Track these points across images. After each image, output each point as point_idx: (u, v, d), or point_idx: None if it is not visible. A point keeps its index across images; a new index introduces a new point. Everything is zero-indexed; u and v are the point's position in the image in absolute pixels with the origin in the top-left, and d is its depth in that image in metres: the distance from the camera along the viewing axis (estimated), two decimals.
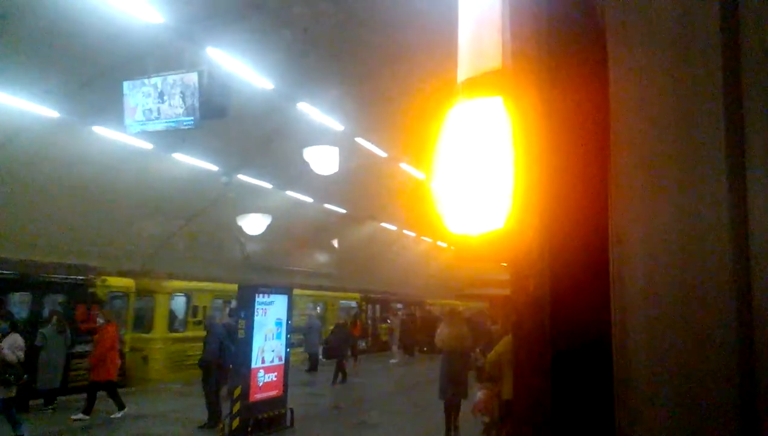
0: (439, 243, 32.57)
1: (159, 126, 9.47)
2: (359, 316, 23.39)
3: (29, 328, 11.54)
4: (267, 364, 9.61)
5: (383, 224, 28.95)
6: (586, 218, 0.97)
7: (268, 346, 9.67)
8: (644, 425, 0.90)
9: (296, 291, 12.98)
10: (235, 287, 15.45)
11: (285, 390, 10.04)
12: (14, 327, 9.76)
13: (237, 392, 9.07)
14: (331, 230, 26.00)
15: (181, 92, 9.15)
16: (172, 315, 16.25)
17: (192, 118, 9.10)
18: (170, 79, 9.25)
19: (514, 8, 1.09)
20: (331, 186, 19.30)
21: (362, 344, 22.72)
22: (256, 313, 9.39)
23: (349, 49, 13.54)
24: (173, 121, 9.31)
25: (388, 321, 26.36)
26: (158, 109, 9.37)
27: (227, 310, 12.68)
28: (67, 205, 15.24)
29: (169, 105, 9.28)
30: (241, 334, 9.39)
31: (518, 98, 1.06)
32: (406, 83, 13.98)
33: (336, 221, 25.68)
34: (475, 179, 1.14)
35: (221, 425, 9.39)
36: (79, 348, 12.46)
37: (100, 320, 11.40)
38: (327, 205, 23.96)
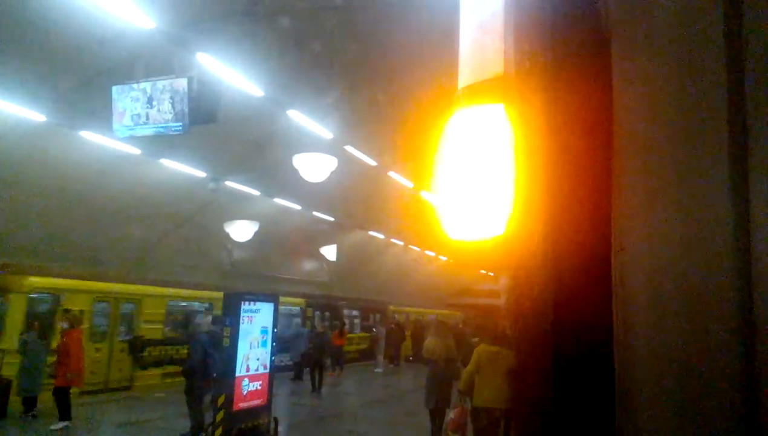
0: (427, 252, 32.61)
1: (148, 131, 9.38)
2: (342, 324, 22.78)
3: None
4: (252, 372, 9.53)
5: (371, 233, 28.89)
6: (589, 225, 0.97)
7: (253, 354, 9.59)
8: (647, 430, 0.90)
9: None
10: (129, 287, 14.34)
11: (269, 399, 9.95)
12: None
13: (221, 400, 8.98)
14: (320, 238, 25.87)
15: (171, 98, 9.08)
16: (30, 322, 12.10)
17: (181, 123, 9.02)
18: (160, 84, 9.17)
19: (518, 15, 1.09)
20: (320, 194, 19.25)
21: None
22: (241, 320, 9.32)
23: (340, 58, 13.56)
24: (162, 127, 9.23)
25: (374, 330, 26.20)
26: (147, 115, 9.28)
27: (209, 317, 12.54)
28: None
29: (158, 110, 9.20)
30: (226, 342, 9.30)
31: (521, 105, 1.06)
32: (396, 93, 14.03)
33: (325, 229, 25.56)
34: (475, 186, 1.14)
35: (204, 434, 9.27)
36: None
37: (64, 325, 11.22)
38: (315, 213, 23.89)
